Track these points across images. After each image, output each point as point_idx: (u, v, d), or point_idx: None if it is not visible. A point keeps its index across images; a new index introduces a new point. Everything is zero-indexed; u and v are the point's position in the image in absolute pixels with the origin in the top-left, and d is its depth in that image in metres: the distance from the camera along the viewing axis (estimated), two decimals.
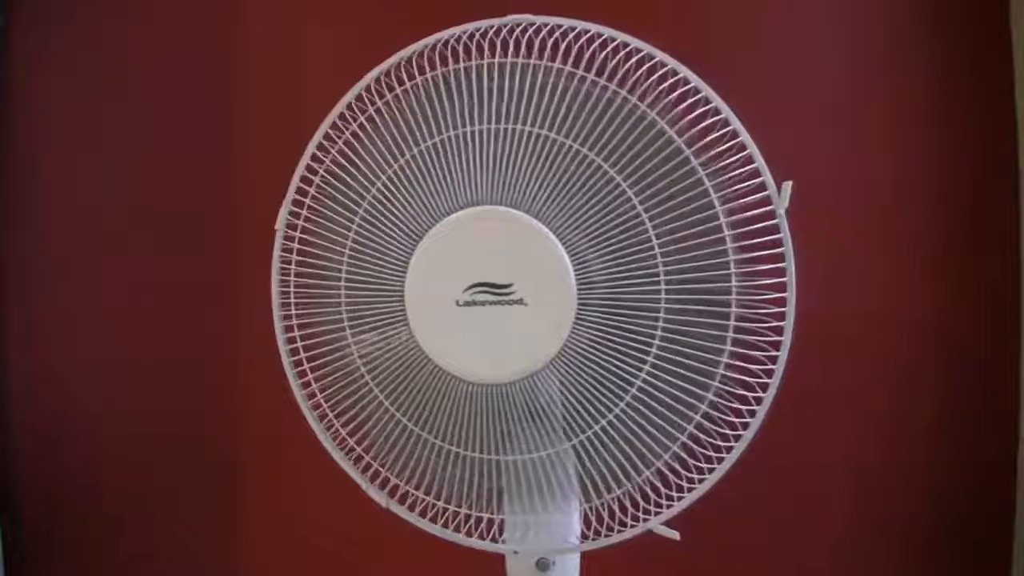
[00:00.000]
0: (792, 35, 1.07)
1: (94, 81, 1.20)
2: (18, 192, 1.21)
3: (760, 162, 0.67)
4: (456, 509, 0.74)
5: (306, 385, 0.77)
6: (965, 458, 1.04)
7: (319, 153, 0.75)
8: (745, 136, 0.67)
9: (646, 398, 0.66)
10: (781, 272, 0.67)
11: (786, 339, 0.67)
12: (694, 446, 0.68)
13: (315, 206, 0.74)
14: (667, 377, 0.66)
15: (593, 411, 0.67)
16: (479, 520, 0.74)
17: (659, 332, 0.65)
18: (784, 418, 1.00)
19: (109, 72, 1.20)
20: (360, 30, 1.15)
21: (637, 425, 0.66)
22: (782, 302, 0.67)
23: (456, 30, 0.71)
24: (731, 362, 0.66)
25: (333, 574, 1.19)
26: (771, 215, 0.67)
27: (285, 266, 0.75)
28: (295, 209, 0.75)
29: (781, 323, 0.67)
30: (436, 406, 0.70)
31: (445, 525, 0.74)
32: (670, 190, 0.65)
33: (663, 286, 0.65)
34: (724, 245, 0.65)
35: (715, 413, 0.67)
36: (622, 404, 0.66)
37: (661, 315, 0.65)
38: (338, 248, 0.72)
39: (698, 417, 0.66)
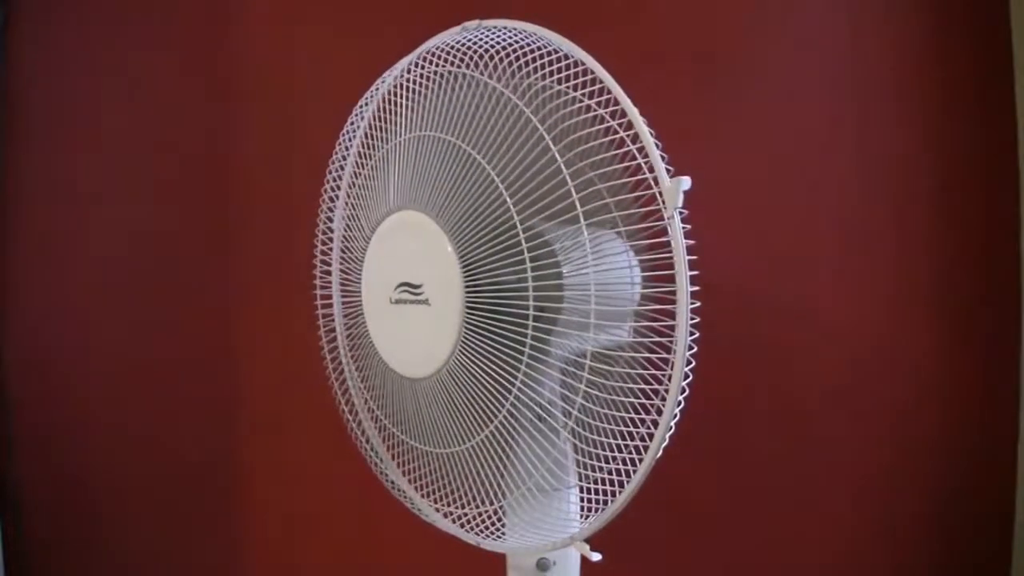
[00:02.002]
0: (792, 35, 1.03)
1: (94, 81, 1.20)
2: (18, 192, 1.21)
3: (656, 159, 0.60)
4: (457, 510, 0.77)
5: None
6: (965, 458, 1.01)
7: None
8: (642, 128, 0.60)
9: (522, 407, 0.64)
10: (668, 279, 0.59)
11: (680, 349, 0.59)
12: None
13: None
14: (536, 387, 0.63)
15: (484, 417, 0.66)
16: (482, 521, 0.77)
17: (528, 340, 0.63)
18: (784, 419, 1.01)
19: (109, 72, 1.21)
20: (360, 32, 1.14)
21: (515, 433, 0.65)
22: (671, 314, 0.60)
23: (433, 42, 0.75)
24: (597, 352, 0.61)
25: (333, 574, 1.20)
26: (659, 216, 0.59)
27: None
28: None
29: (671, 336, 0.60)
30: (395, 399, 0.75)
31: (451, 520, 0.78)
32: (541, 189, 0.62)
33: (531, 293, 0.62)
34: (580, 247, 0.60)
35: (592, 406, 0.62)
36: (503, 413, 0.65)
37: (530, 323, 0.63)
38: (327, 248, 0.81)
39: (566, 432, 0.62)
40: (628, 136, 0.60)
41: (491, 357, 0.65)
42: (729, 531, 1.04)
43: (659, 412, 0.61)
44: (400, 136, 0.72)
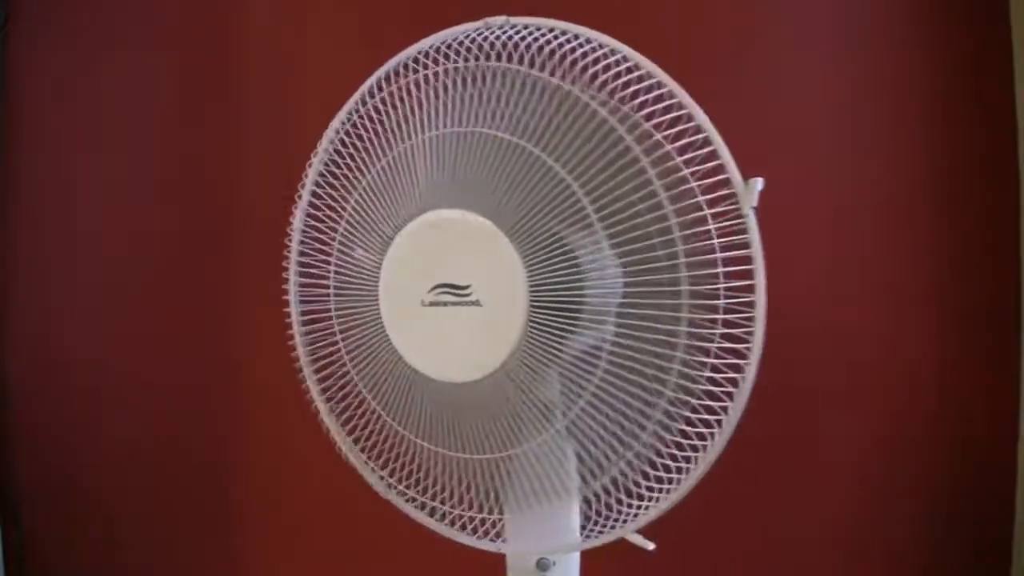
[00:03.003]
0: (792, 35, 1.05)
1: (94, 81, 1.20)
2: (18, 192, 1.21)
3: (726, 157, 0.63)
4: (457, 510, 0.75)
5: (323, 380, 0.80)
6: (965, 458, 1.02)
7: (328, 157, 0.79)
8: (712, 132, 0.63)
9: (598, 402, 0.64)
10: (748, 274, 0.63)
11: (756, 342, 0.63)
12: (660, 448, 0.65)
13: (312, 210, 0.78)
14: (617, 382, 0.64)
15: (549, 415, 0.66)
16: (482, 520, 0.75)
17: (610, 336, 0.64)
18: (784, 418, 1.01)
19: (110, 72, 1.20)
20: (361, 28, 1.15)
21: (590, 428, 0.65)
22: (751, 305, 0.63)
23: (427, 42, 0.73)
24: (688, 357, 0.63)
25: (333, 574, 1.20)
26: (738, 213, 0.63)
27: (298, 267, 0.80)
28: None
29: (751, 328, 0.63)
30: (415, 406, 0.71)
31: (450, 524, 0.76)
32: (619, 190, 0.63)
33: (617, 288, 0.63)
34: (672, 235, 0.62)
35: (675, 409, 0.64)
36: (576, 409, 0.65)
37: (612, 318, 0.64)
38: (327, 250, 0.75)
39: (652, 425, 0.64)
40: (699, 139, 0.63)
41: (560, 354, 0.64)
42: (729, 530, 1.06)
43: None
44: (426, 133, 0.69)
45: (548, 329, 0.65)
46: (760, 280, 0.63)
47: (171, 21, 1.19)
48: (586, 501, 0.69)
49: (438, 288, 0.68)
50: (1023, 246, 0.99)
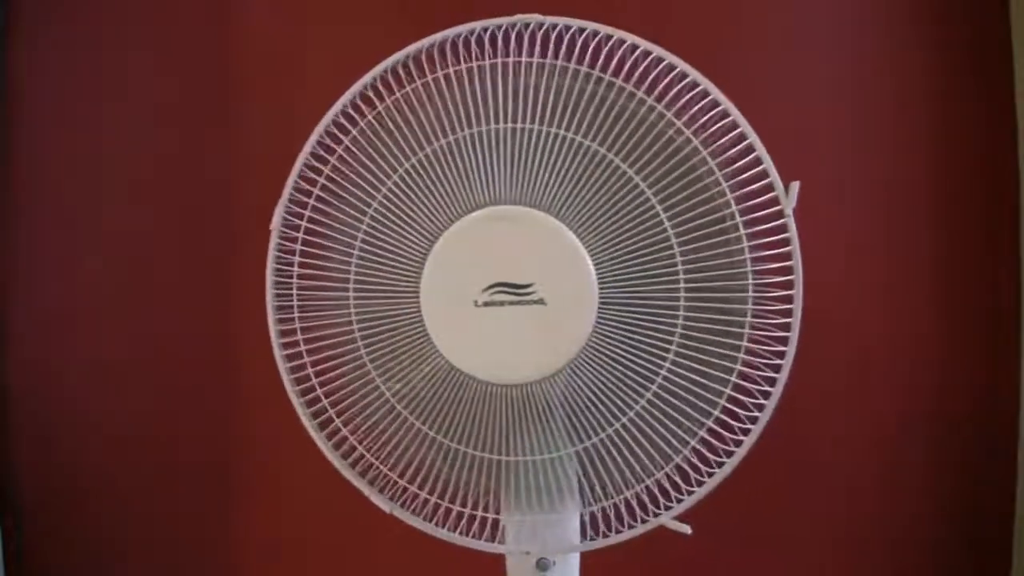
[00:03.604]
0: (792, 36, 1.07)
1: (94, 81, 1.19)
2: (18, 192, 1.21)
3: (768, 163, 0.68)
4: (461, 509, 0.73)
5: (306, 392, 0.75)
6: (965, 458, 1.05)
7: (320, 151, 0.74)
8: (754, 138, 0.68)
9: (666, 395, 0.67)
10: (788, 271, 0.69)
11: (793, 337, 0.69)
12: (711, 439, 0.69)
13: (320, 205, 0.72)
14: (686, 374, 0.67)
15: (615, 409, 0.67)
16: (483, 520, 0.73)
17: (679, 329, 0.66)
18: (784, 418, 0.99)
19: (109, 72, 1.19)
20: (361, 28, 1.13)
21: (657, 421, 0.67)
22: (789, 300, 0.69)
23: (463, 28, 0.71)
24: (747, 358, 0.68)
25: (331, 574, 1.19)
26: (779, 215, 0.69)
27: (284, 268, 0.73)
28: (298, 209, 0.73)
29: (788, 319, 0.69)
30: (452, 408, 0.69)
31: (451, 528, 0.74)
32: (687, 191, 0.66)
33: (682, 284, 0.66)
34: (740, 244, 0.67)
35: (736, 408, 0.68)
36: (643, 402, 0.67)
37: (681, 312, 0.66)
38: (346, 248, 0.70)
39: (717, 412, 0.68)
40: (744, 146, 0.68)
41: (628, 351, 0.66)
42: (728, 530, 1.07)
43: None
44: (472, 128, 0.67)
45: (618, 326, 0.66)
46: (799, 278, 0.69)
47: (171, 21, 1.18)
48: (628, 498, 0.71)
49: (494, 288, 0.67)
50: (1023, 246, 1.02)
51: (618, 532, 0.73)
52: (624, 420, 0.67)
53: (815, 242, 0.99)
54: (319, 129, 0.73)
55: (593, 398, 0.67)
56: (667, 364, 0.67)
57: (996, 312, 1.05)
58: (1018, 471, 1.02)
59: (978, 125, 1.03)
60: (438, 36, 0.71)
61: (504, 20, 0.71)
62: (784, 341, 0.69)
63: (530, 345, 0.66)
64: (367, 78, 0.72)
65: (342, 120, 0.72)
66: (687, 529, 0.72)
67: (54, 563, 1.22)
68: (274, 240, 0.75)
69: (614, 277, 0.66)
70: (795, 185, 0.69)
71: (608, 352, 0.66)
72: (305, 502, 1.16)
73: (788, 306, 0.69)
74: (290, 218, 0.73)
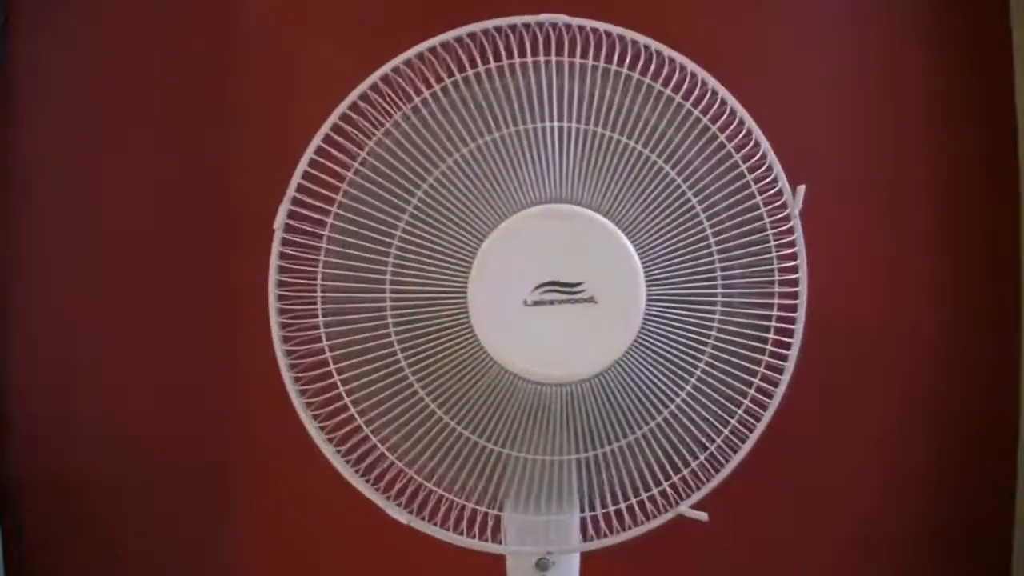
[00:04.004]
0: (793, 36, 1.07)
1: (94, 81, 1.17)
2: (18, 191, 1.19)
3: (777, 168, 0.73)
4: (486, 510, 0.72)
5: (320, 398, 0.71)
6: (965, 458, 1.05)
7: (326, 147, 0.70)
8: (766, 146, 0.73)
9: (704, 387, 0.70)
10: (794, 270, 0.74)
11: (797, 335, 0.74)
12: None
13: (348, 202, 0.68)
14: (721, 366, 0.70)
15: (657, 403, 0.69)
16: (487, 519, 0.73)
17: (716, 324, 0.70)
18: (784, 418, 0.98)
19: (109, 72, 1.17)
20: (364, 26, 1.13)
21: (695, 413, 0.70)
22: (795, 296, 0.74)
23: (490, 23, 0.70)
24: (775, 350, 0.72)
25: (332, 574, 1.17)
26: (786, 217, 0.74)
27: (300, 268, 0.69)
28: (304, 212, 0.69)
29: (793, 314, 0.74)
30: (498, 410, 0.68)
31: (477, 536, 0.72)
32: (722, 191, 0.70)
33: (719, 280, 0.69)
34: (768, 243, 0.71)
35: (763, 398, 0.72)
36: (683, 394, 0.69)
37: (717, 308, 0.70)
38: (380, 247, 0.67)
39: (747, 402, 0.71)
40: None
41: (674, 343, 0.68)
42: (728, 530, 1.06)
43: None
44: (519, 125, 0.67)
45: (662, 322, 0.68)
46: (803, 276, 0.74)
47: (172, 20, 1.16)
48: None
49: (544, 287, 0.66)
50: (1023, 245, 1.02)
51: (631, 528, 0.74)
52: (665, 413, 0.69)
53: (815, 242, 0.97)
54: (324, 129, 0.70)
55: (639, 392, 0.68)
56: (705, 357, 0.70)
57: (996, 312, 1.05)
58: (1018, 471, 1.03)
59: (978, 125, 1.04)
60: (462, 30, 0.70)
61: (531, 19, 0.71)
62: (790, 334, 0.75)
63: (581, 343, 0.67)
64: (379, 73, 0.69)
65: (370, 118, 0.68)
66: (704, 516, 0.75)
67: (54, 563, 1.20)
68: (277, 238, 0.70)
69: (660, 275, 0.68)
70: (801, 189, 0.74)
71: (653, 347, 0.68)
72: (305, 503, 1.15)
73: (794, 301, 0.74)
74: (312, 214, 0.69)
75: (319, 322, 0.68)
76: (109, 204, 1.16)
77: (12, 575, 1.19)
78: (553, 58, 0.68)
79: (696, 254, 0.69)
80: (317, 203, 0.70)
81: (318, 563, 1.17)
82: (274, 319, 0.70)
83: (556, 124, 0.67)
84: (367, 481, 0.71)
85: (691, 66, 0.72)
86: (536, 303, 0.66)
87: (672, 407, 0.69)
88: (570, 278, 0.67)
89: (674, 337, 0.69)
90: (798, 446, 1.05)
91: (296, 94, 1.11)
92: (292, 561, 1.17)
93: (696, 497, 0.74)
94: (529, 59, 0.68)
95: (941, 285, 1.07)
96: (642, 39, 0.71)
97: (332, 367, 0.69)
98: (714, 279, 0.69)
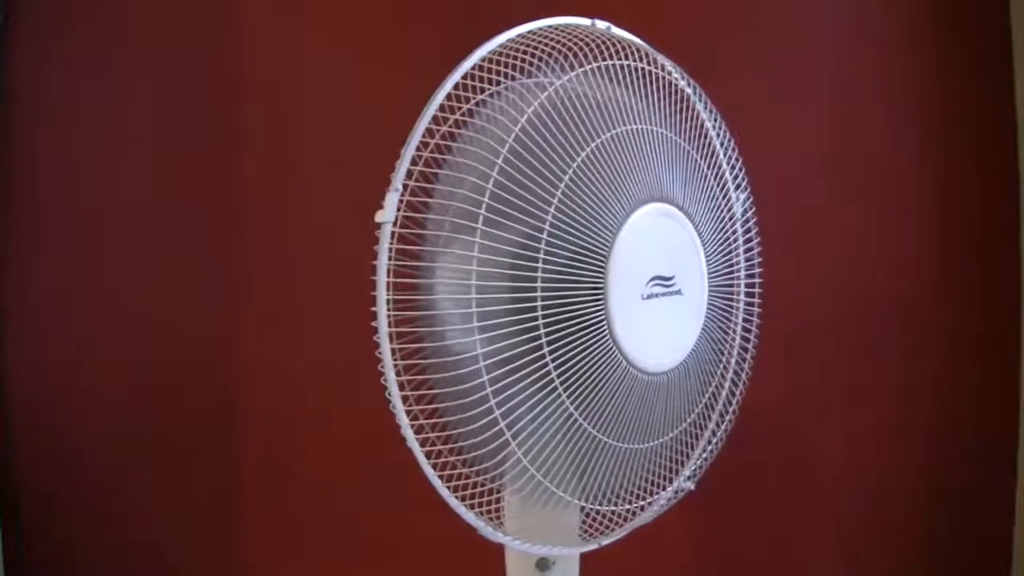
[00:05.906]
0: (793, 36, 1.07)
1: (94, 81, 1.18)
2: (18, 191, 1.18)
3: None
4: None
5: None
6: (965, 458, 1.06)
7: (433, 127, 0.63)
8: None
9: (734, 364, 0.79)
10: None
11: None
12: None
13: (492, 203, 0.61)
14: (743, 343, 0.80)
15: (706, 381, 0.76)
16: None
17: (740, 308, 0.79)
18: (784, 418, 1.04)
19: (109, 72, 1.17)
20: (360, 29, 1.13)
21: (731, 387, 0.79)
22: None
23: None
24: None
25: (334, 574, 1.18)
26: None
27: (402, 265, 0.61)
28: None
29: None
30: (622, 405, 0.68)
31: None
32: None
33: (742, 271, 0.79)
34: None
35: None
36: (720, 369, 0.78)
37: (742, 297, 0.79)
38: (531, 243, 0.62)
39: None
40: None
41: (715, 328, 0.77)
42: (728, 529, 1.06)
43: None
44: (624, 126, 0.68)
45: (718, 310, 0.76)
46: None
47: (171, 20, 1.15)
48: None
49: (653, 280, 0.69)
50: (1023, 246, 1.03)
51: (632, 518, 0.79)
52: (711, 390, 0.77)
53: (815, 242, 1.07)
54: (432, 108, 0.63)
55: (700, 374, 0.75)
56: (731, 335, 0.79)
57: (996, 312, 1.07)
58: (1018, 471, 1.05)
59: (978, 125, 1.05)
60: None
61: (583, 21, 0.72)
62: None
63: (675, 333, 0.71)
64: (485, 49, 0.65)
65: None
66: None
67: (54, 563, 1.19)
68: (385, 233, 0.60)
69: (711, 267, 0.75)
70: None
71: (704, 333, 0.75)
72: (305, 502, 1.15)
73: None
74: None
75: (474, 327, 0.60)
76: (109, 203, 1.15)
77: (12, 575, 1.17)
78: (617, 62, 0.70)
79: (729, 243, 0.77)
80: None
81: (318, 562, 1.16)
82: (385, 332, 0.59)
83: (656, 129, 0.70)
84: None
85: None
86: (648, 296, 0.69)
87: (713, 386, 0.77)
88: (668, 272, 0.70)
89: (715, 323, 0.77)
90: (798, 446, 1.07)
91: (296, 94, 1.11)
92: (293, 561, 1.17)
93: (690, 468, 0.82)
94: (615, 61, 0.70)
95: (941, 284, 1.08)
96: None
97: (485, 377, 0.61)
98: (737, 267, 0.79)
